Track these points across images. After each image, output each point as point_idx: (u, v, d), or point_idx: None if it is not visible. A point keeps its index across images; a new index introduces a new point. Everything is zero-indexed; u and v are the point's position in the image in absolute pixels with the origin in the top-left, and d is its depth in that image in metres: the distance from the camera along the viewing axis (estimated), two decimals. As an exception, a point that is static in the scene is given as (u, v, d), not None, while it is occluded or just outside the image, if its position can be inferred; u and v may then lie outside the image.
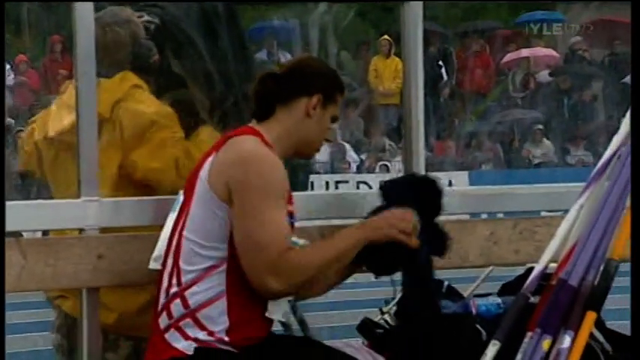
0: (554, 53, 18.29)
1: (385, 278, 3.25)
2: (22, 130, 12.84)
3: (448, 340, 3.24)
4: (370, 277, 3.22)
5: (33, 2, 12.76)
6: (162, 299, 2.99)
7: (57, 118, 3.63)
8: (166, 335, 2.96)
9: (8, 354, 2.98)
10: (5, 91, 14.69)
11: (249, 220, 2.90)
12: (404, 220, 3.07)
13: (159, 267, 3.05)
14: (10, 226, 3.23)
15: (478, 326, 3.23)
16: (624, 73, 16.10)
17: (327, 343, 3.09)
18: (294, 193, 3.13)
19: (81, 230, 3.20)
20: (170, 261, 3.00)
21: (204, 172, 2.98)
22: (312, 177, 13.69)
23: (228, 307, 2.94)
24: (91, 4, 3.21)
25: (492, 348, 3.08)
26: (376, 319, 3.41)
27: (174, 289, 2.97)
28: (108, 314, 3.37)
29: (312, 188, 12.25)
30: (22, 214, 3.16)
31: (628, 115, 3.20)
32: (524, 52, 17.89)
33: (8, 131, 14.34)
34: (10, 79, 14.99)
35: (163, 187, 3.37)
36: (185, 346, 2.93)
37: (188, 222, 2.98)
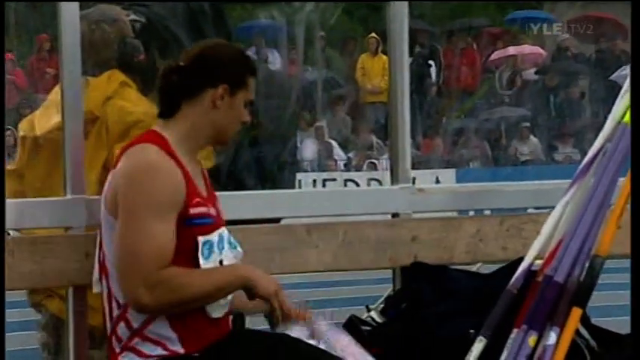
0: (540, 51, 18.31)
1: (375, 276, 3.25)
2: (9, 129, 12.80)
3: (433, 336, 3.25)
4: (356, 275, 3.22)
5: (19, 2, 12.72)
6: (108, 324, 2.96)
7: (44, 117, 3.64)
8: (120, 357, 2.92)
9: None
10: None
11: (129, 232, 2.83)
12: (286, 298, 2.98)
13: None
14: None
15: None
16: (610, 70, 16.14)
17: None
18: (280, 191, 3.13)
19: (67, 229, 3.20)
20: (105, 284, 2.96)
21: (104, 191, 2.95)
22: (300, 175, 13.69)
23: (169, 322, 2.90)
24: (76, 4, 3.20)
25: (478, 344, 3.09)
26: (363, 317, 3.42)
27: (115, 312, 2.94)
28: (93, 315, 3.37)
29: (300, 186, 12.25)
30: (10, 213, 3.15)
31: (614, 110, 3.21)
32: (511, 50, 17.92)
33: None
34: (-5, 77, 14.95)
35: None
36: None
37: (104, 246, 2.96)
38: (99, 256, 3.00)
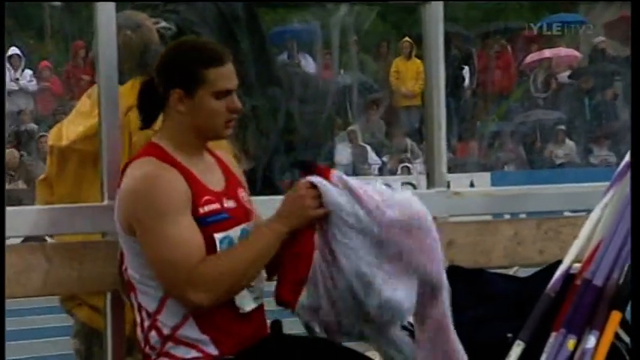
0: (576, 53, 18.22)
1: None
2: (44, 136, 12.91)
3: (471, 341, 3.23)
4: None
5: (56, 8, 12.82)
6: (140, 335, 2.96)
7: (72, 126, 3.63)
8: None
9: (37, 357, 2.99)
10: (28, 97, 14.77)
11: (153, 245, 2.85)
12: (306, 196, 2.92)
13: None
14: (34, 231, 3.25)
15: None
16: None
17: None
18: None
19: (104, 234, 3.21)
20: (133, 298, 2.97)
21: (115, 213, 2.96)
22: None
23: (198, 325, 2.90)
24: (113, 10, 3.21)
25: (516, 349, 3.07)
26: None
27: (146, 323, 2.94)
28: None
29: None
30: (47, 219, 3.17)
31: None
32: (547, 53, 17.84)
33: (31, 137, 14.40)
34: (32, 84, 15.07)
35: None
36: None
37: (125, 259, 2.97)
38: (121, 273, 3.00)
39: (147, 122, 3.03)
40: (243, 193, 3.03)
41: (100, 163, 3.22)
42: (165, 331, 2.91)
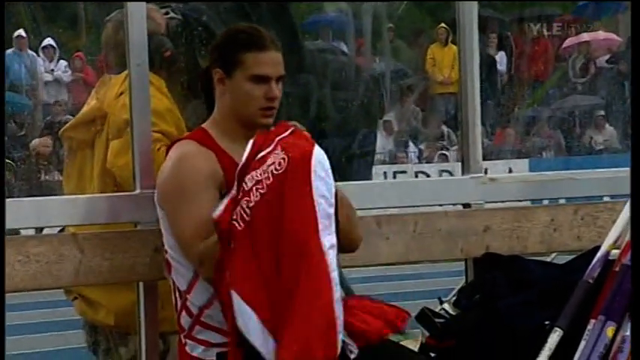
0: (615, 37, 18.03)
1: (447, 269, 3.21)
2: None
3: (508, 328, 3.19)
4: (428, 267, 3.17)
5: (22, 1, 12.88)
6: (176, 315, 3.00)
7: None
8: (186, 348, 2.97)
9: (71, 348, 2.99)
10: (62, 88, 14.83)
11: (172, 221, 2.94)
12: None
13: None
14: (66, 221, 3.24)
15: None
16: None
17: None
18: (350, 183, 3.07)
19: (136, 224, 3.20)
20: (170, 276, 3.01)
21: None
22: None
23: (222, 307, 2.88)
24: (142, -1, 3.20)
25: (554, 336, 3.03)
26: (436, 310, 3.37)
27: (179, 303, 2.98)
28: (98, 310, 3.39)
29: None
30: (78, 209, 3.16)
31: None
32: (585, 37, 17.67)
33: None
34: (67, 75, 15.12)
35: (127, 185, 3.30)
36: (204, 354, 2.92)
37: (163, 237, 3.02)
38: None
39: (209, 107, 3.08)
40: None
41: (132, 153, 3.21)
42: (194, 311, 2.93)
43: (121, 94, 3.47)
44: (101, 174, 3.45)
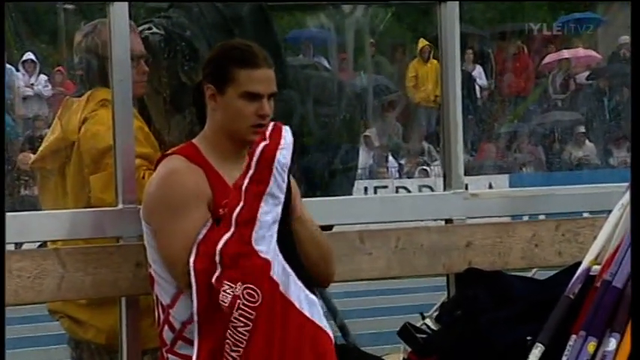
0: (594, 54, 18.13)
1: (429, 284, 3.21)
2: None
3: (489, 343, 3.20)
4: (410, 283, 3.18)
5: (69, 12, 12.84)
6: (158, 329, 3.00)
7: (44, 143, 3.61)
8: None
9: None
10: (43, 103, 14.79)
11: (158, 237, 2.94)
12: None
13: None
14: (48, 236, 3.23)
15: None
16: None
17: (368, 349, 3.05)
18: (332, 198, 3.08)
19: (118, 239, 3.19)
20: (153, 291, 3.01)
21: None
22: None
23: None
24: (126, 14, 3.20)
25: (535, 350, 3.03)
26: (418, 325, 3.38)
27: (161, 317, 2.98)
28: (87, 329, 3.40)
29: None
30: (60, 224, 3.15)
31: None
32: (565, 53, 17.76)
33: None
34: (48, 90, 15.09)
35: None
36: None
37: (146, 252, 3.02)
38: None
39: (201, 121, 3.08)
40: None
41: (114, 168, 3.20)
42: (177, 326, 2.94)
43: (84, 120, 3.45)
44: (74, 203, 3.43)
